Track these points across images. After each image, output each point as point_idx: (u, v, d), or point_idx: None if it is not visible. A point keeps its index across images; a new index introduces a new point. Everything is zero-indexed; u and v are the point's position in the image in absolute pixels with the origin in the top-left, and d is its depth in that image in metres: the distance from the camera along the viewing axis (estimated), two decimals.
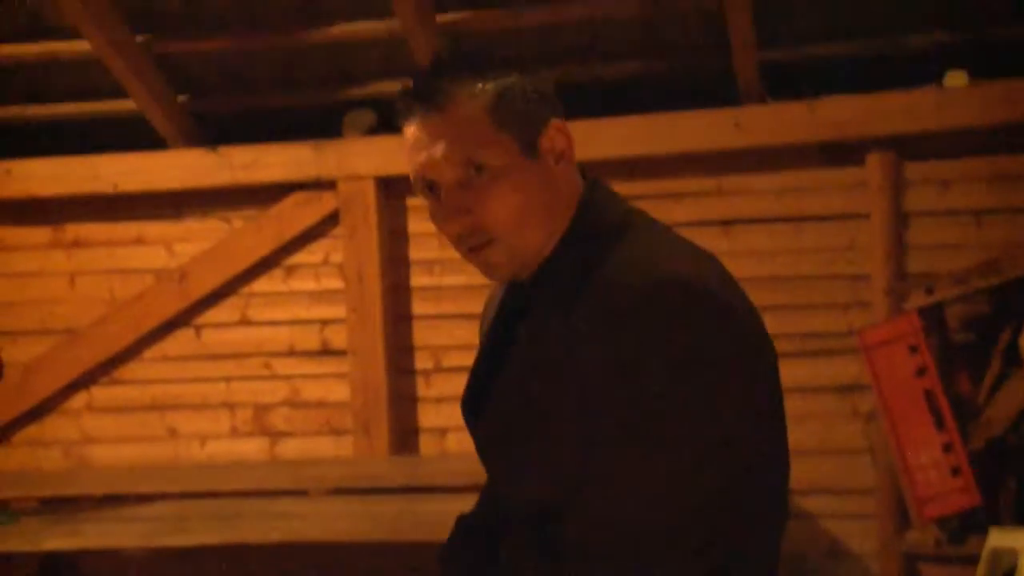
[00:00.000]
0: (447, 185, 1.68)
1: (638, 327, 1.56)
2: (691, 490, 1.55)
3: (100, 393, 5.68)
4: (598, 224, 1.70)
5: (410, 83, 1.71)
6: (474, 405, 1.87)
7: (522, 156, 1.67)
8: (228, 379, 5.60)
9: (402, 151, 4.91)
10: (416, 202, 5.42)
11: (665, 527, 1.54)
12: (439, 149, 1.66)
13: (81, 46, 5.25)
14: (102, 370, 5.66)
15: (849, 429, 4.97)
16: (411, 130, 1.69)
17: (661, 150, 5.04)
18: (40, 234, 5.73)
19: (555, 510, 1.63)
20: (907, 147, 4.95)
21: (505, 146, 1.66)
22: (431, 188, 1.71)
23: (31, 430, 5.71)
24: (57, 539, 4.61)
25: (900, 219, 4.96)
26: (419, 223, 5.43)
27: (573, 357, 1.61)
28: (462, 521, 2.00)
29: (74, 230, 5.70)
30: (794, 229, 5.08)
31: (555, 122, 1.70)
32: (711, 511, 1.56)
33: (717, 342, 1.57)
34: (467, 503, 4.79)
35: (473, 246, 1.70)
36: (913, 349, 4.38)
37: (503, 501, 1.82)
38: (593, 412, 1.58)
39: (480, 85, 1.67)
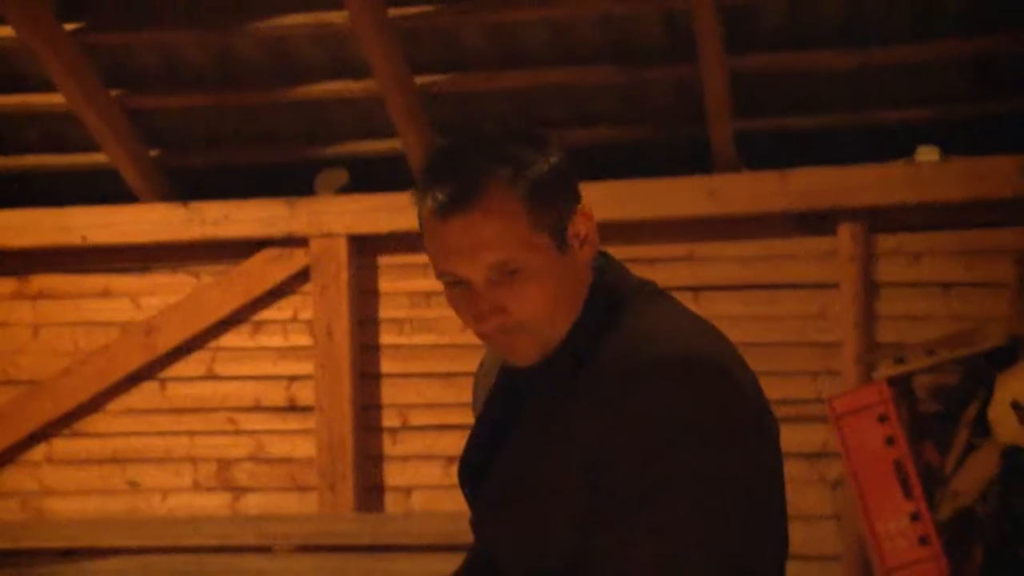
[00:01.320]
0: (480, 284, 1.61)
1: (646, 401, 1.56)
2: (699, 562, 1.55)
3: (61, 445, 5.61)
4: (610, 299, 1.69)
5: (436, 162, 1.63)
6: (473, 474, 1.86)
7: (556, 252, 1.61)
8: (192, 433, 5.56)
9: (373, 211, 4.82)
10: (387, 260, 5.44)
11: None
12: (476, 250, 1.58)
13: (55, 99, 5.25)
14: (64, 422, 5.59)
15: (816, 495, 5.01)
16: (439, 222, 1.59)
17: (635, 216, 5.10)
18: (5, 285, 5.68)
19: None
20: (878, 219, 5.04)
21: (542, 246, 1.60)
22: (458, 282, 1.64)
23: None
24: None
25: (870, 289, 5.04)
26: (390, 282, 5.44)
27: (581, 430, 1.60)
28: None
29: (40, 281, 5.66)
30: (765, 297, 5.14)
31: (581, 209, 1.64)
32: None
33: (725, 415, 1.56)
34: (434, 562, 4.79)
35: (503, 341, 1.67)
36: (882, 418, 4.43)
37: (500, 570, 1.80)
38: (600, 484, 1.58)
39: (517, 178, 1.58)
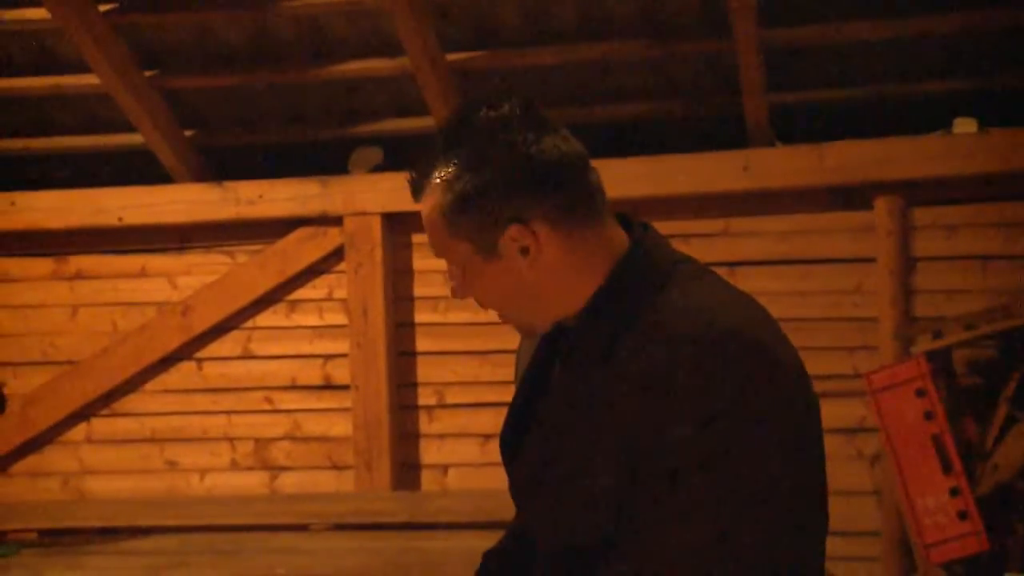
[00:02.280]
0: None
1: (683, 379, 1.55)
2: (733, 545, 1.54)
3: (100, 425, 5.66)
4: (641, 274, 1.70)
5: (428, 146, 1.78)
6: (510, 446, 1.87)
7: (481, 259, 1.71)
8: (229, 412, 5.59)
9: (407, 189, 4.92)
10: (421, 239, 5.44)
11: None
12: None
13: (90, 80, 5.27)
14: (102, 402, 5.64)
15: (855, 471, 4.99)
16: None
17: (670, 191, 5.08)
18: (43, 266, 5.72)
19: (590, 556, 1.64)
20: (915, 192, 5.00)
21: (461, 250, 1.71)
22: None
23: (31, 461, 5.69)
24: (58, 572, 4.56)
25: (907, 263, 5.00)
26: (424, 260, 5.44)
27: (620, 407, 1.60)
28: (489, 557, 1.98)
29: (77, 262, 5.70)
30: (801, 272, 5.11)
31: (512, 230, 1.68)
32: (753, 567, 1.56)
33: (764, 396, 1.56)
34: (471, 540, 4.78)
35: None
36: (921, 393, 4.40)
37: (534, 541, 1.80)
38: (639, 462, 1.58)
39: (445, 190, 1.69)
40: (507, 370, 5.28)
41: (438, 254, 1.74)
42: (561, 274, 1.71)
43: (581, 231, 1.70)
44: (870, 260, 5.03)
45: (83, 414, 5.65)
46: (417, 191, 1.73)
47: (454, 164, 1.68)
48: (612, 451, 1.60)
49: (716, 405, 1.54)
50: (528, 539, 1.82)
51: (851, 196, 5.06)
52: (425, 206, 1.72)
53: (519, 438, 1.82)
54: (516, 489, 1.83)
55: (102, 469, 5.66)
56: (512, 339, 1.99)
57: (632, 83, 5.22)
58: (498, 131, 1.68)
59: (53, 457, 5.68)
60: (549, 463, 1.70)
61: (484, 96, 1.73)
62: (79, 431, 5.67)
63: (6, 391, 5.11)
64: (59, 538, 5.27)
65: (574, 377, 1.71)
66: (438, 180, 1.70)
